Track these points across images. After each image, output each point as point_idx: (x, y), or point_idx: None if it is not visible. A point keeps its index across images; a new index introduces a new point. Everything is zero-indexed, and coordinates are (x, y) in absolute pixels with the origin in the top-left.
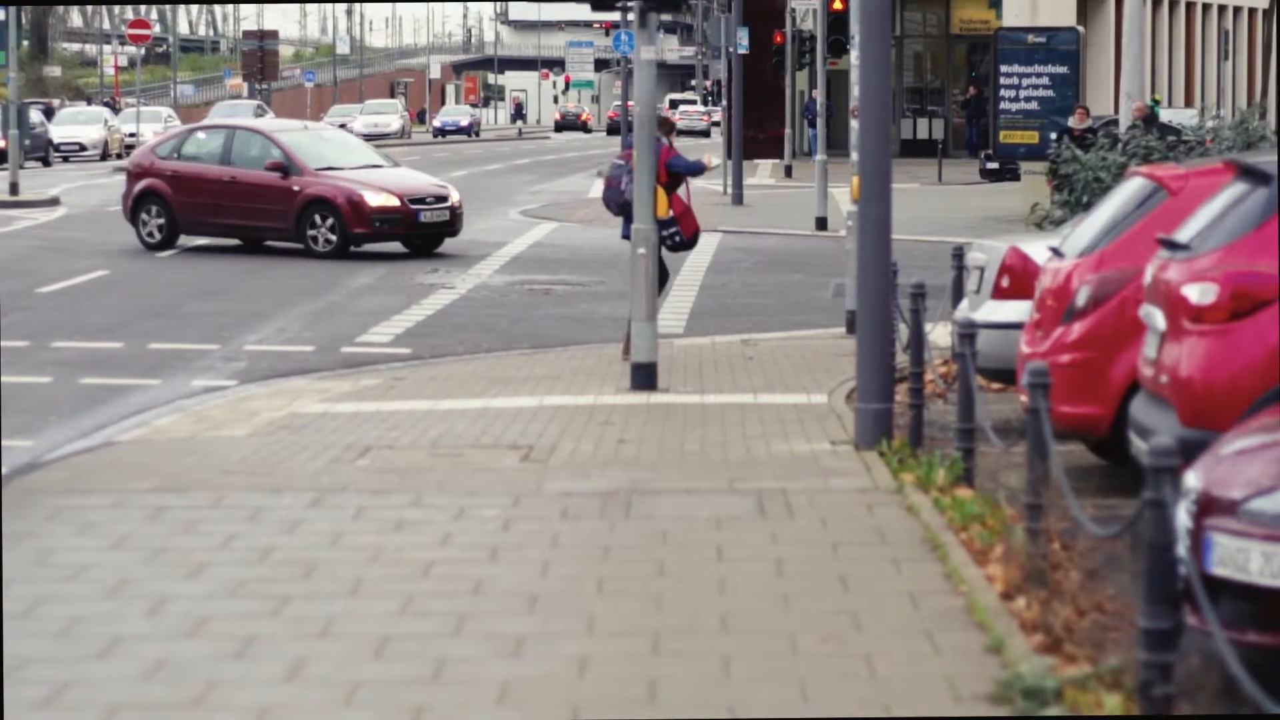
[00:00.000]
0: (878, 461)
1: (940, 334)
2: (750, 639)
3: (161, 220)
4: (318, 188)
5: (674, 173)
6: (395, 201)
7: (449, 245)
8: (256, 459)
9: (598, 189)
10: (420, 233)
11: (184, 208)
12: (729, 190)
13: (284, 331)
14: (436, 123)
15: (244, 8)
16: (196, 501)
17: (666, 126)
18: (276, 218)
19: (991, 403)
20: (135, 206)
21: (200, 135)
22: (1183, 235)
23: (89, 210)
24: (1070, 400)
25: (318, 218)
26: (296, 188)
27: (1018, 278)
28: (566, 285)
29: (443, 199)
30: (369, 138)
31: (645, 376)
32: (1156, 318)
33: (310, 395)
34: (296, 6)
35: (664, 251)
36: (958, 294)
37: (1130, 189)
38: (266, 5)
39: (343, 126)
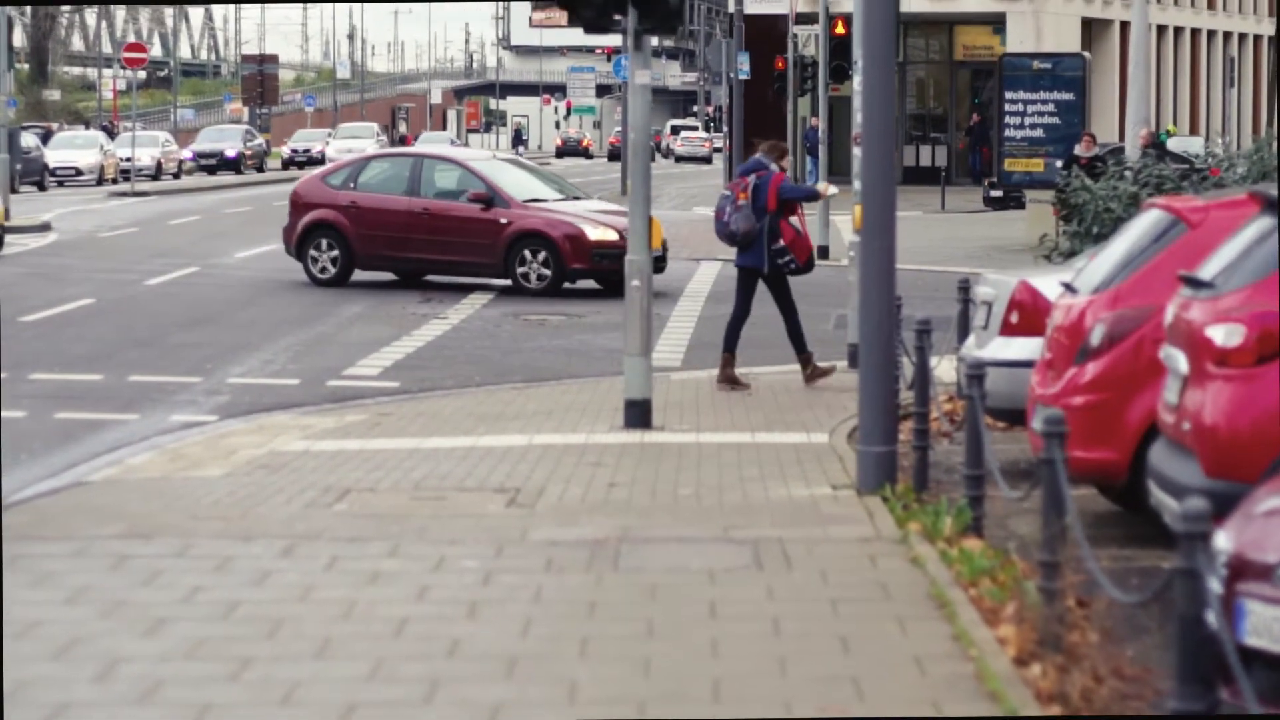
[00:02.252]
0: (881, 508)
1: (944, 368)
2: (744, 708)
3: (335, 253)
4: (529, 221)
5: (785, 200)
6: (614, 235)
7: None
8: (229, 502)
9: None
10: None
11: (364, 240)
12: None
13: (270, 363)
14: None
15: (246, 31)
16: (162, 550)
17: (778, 151)
18: (480, 252)
19: (998, 442)
20: (303, 239)
21: (380, 164)
22: (1205, 272)
23: (81, 236)
24: (1084, 444)
25: (528, 253)
26: (504, 220)
27: (1027, 313)
28: (561, 316)
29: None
30: None
31: (639, 414)
32: (1178, 360)
33: (292, 432)
34: (299, 30)
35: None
36: (963, 328)
37: (1146, 222)
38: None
39: (306, 151)
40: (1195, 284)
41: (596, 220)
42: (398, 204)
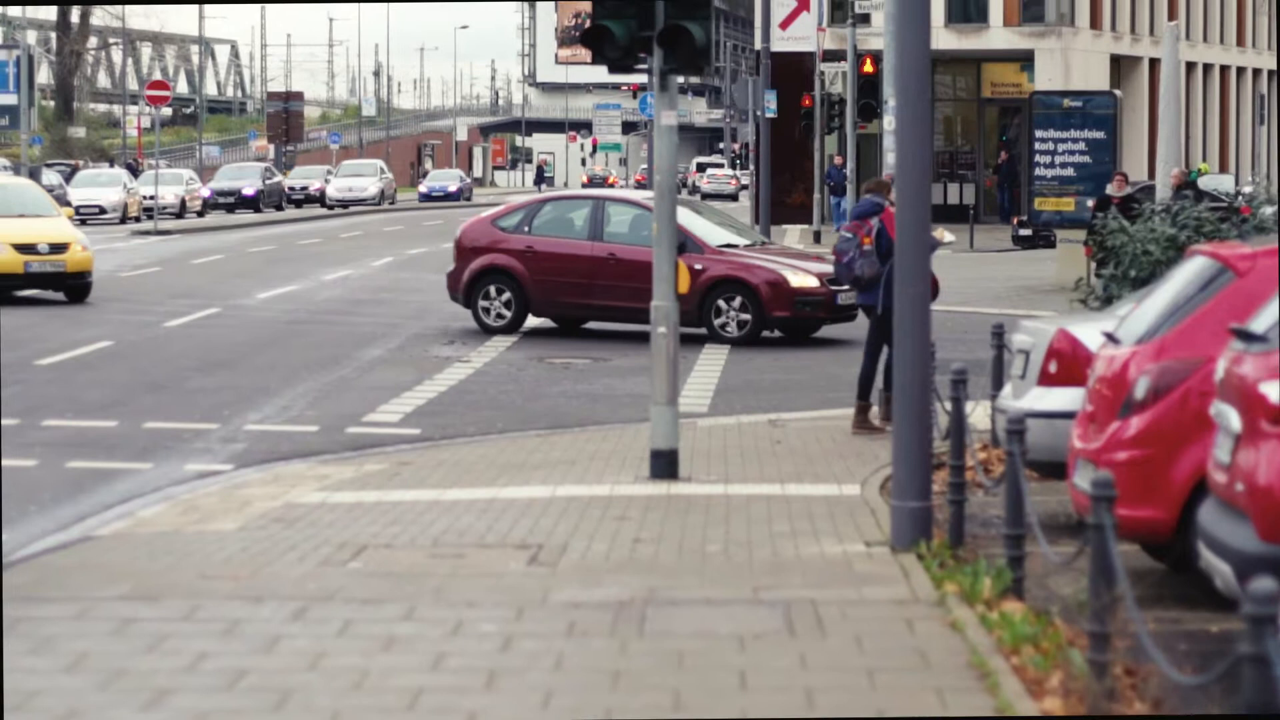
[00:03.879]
0: (916, 566)
1: (978, 415)
2: None
3: (508, 297)
4: (725, 267)
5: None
6: (815, 282)
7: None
8: (241, 559)
9: None
10: (835, 317)
11: (542, 287)
12: None
13: (288, 409)
14: (423, 188)
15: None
16: (168, 612)
17: (885, 188)
18: None
19: (1035, 493)
20: (473, 285)
21: (557, 206)
22: (1258, 325)
23: (102, 275)
24: (1129, 502)
25: (725, 300)
26: (699, 266)
27: (1067, 363)
28: (586, 359)
29: None
30: (343, 203)
31: (666, 464)
32: (1230, 417)
33: (309, 482)
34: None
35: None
36: (998, 376)
37: (1192, 269)
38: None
39: (304, 189)
40: (1247, 337)
41: (796, 266)
42: (579, 248)
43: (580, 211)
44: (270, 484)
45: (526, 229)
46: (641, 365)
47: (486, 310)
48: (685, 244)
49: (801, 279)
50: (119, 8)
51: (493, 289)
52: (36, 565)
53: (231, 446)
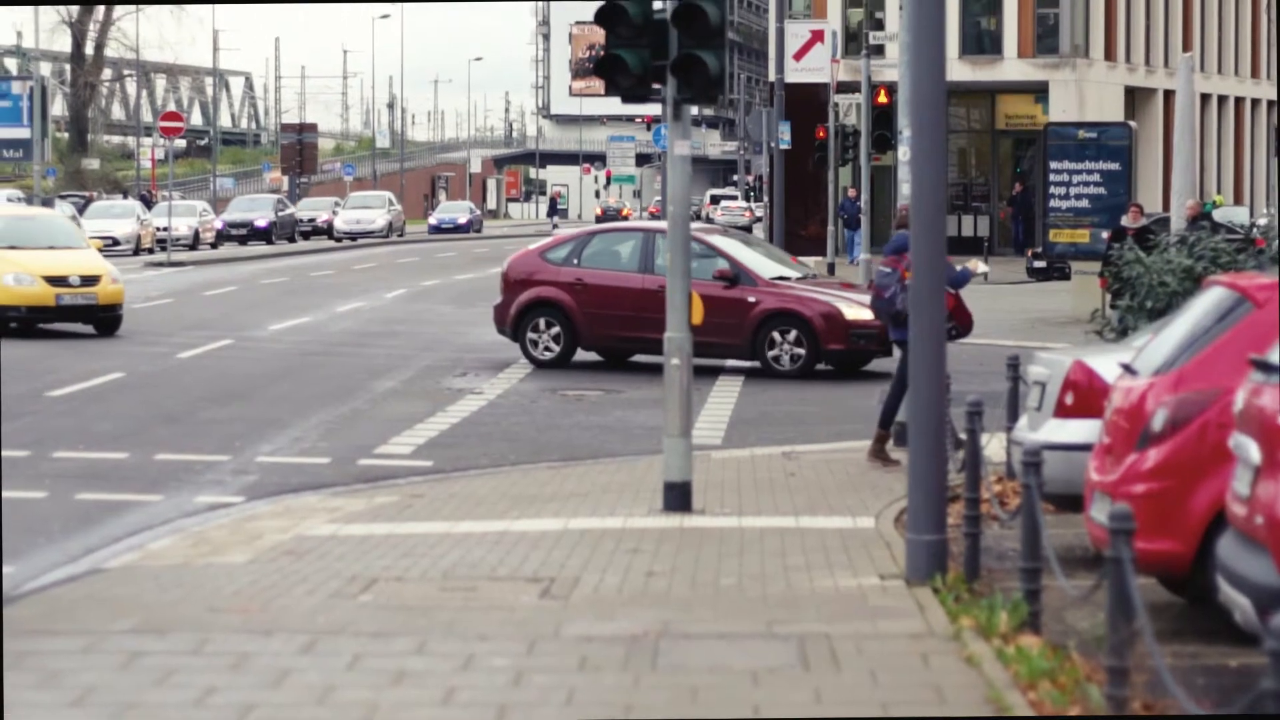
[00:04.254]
0: (932, 600)
1: (993, 447)
2: None
3: (557, 331)
4: (779, 299)
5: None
6: (869, 314)
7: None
8: (251, 592)
9: None
10: (889, 350)
11: (591, 320)
12: None
13: (300, 441)
14: (432, 220)
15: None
16: (177, 645)
17: None
18: (725, 333)
19: (1050, 525)
20: (521, 318)
21: (607, 239)
22: (1277, 356)
23: None
24: (1146, 535)
25: (779, 333)
26: (752, 299)
27: (1083, 395)
28: (599, 391)
29: None
30: (350, 235)
31: (679, 497)
32: (1250, 450)
33: (320, 514)
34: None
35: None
36: (1013, 406)
37: (1209, 300)
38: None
39: (312, 220)
40: (1266, 368)
41: (849, 299)
42: (629, 281)
43: (630, 244)
44: (281, 516)
45: (576, 261)
46: (654, 397)
47: (534, 343)
48: (739, 276)
49: (856, 311)
50: (133, 38)
51: (541, 322)
52: (45, 598)
53: (243, 478)
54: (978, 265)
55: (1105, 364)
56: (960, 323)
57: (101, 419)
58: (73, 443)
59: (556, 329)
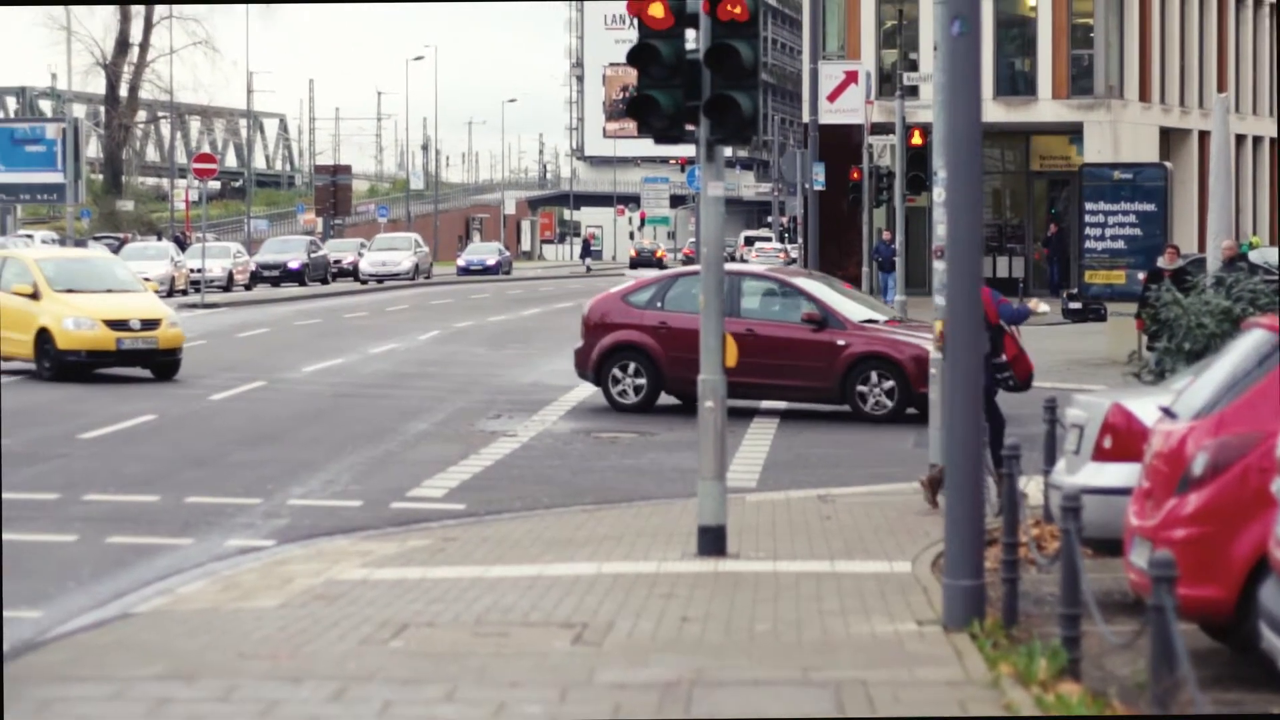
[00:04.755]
0: (969, 646)
1: (1031, 490)
2: None
3: (642, 380)
4: (868, 343)
5: (1004, 321)
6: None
7: None
8: (280, 638)
9: None
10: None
11: (675, 363)
12: None
13: (332, 484)
14: (461, 261)
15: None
16: (204, 693)
17: None
18: (813, 376)
19: (1089, 570)
20: (603, 362)
21: (690, 281)
22: None
23: None
24: (1187, 581)
25: (868, 377)
26: (841, 342)
27: (1122, 438)
28: (634, 433)
29: None
30: (376, 278)
31: (713, 541)
32: None
33: (351, 558)
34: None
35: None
36: (1050, 450)
37: (1250, 343)
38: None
39: (337, 262)
40: None
41: (914, 340)
42: None
43: None
44: (312, 560)
45: (659, 305)
46: (688, 439)
47: (617, 385)
48: (827, 319)
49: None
50: (167, 80)
51: (625, 366)
52: (73, 643)
53: (274, 522)
54: (1038, 305)
55: (1144, 407)
56: (1019, 373)
57: (133, 461)
58: (104, 485)
59: (641, 373)
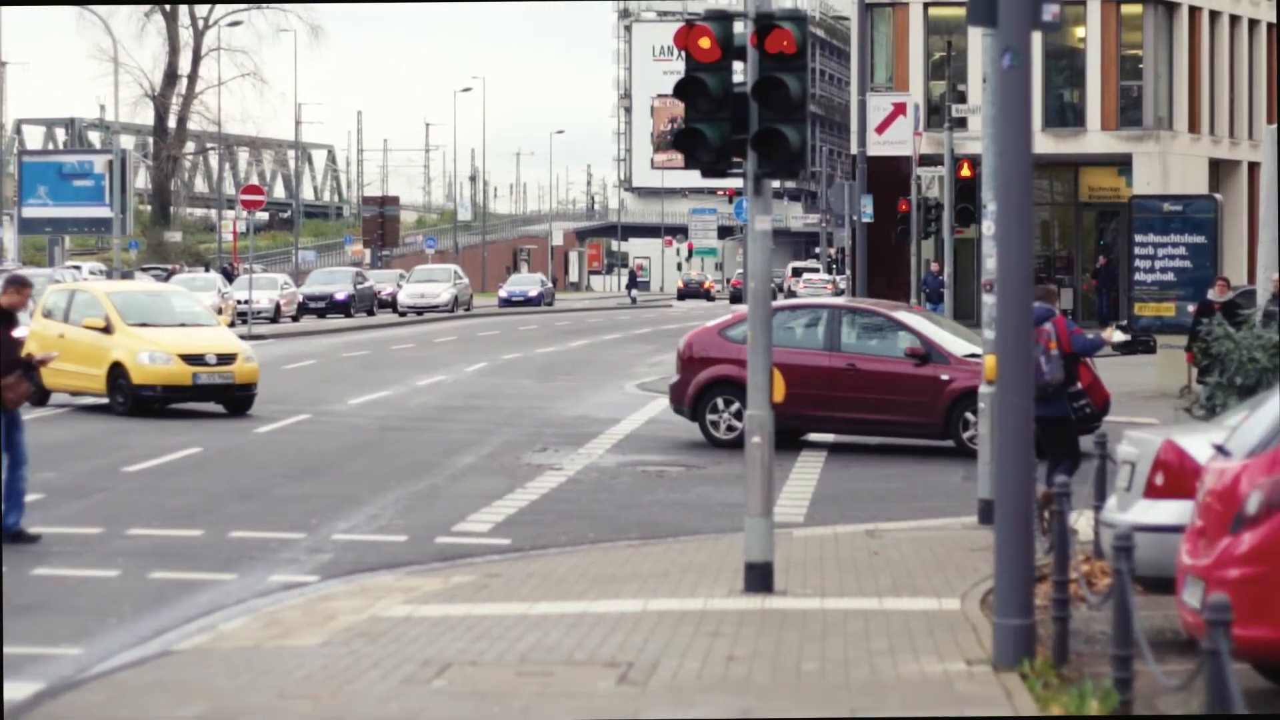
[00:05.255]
0: (1020, 686)
1: (1081, 526)
2: None
3: (739, 409)
4: (974, 378)
5: (1078, 352)
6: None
7: None
8: (322, 677)
9: None
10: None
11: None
12: None
13: (377, 518)
14: (503, 292)
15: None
16: None
17: (1051, 295)
18: (916, 411)
19: (1140, 607)
20: (700, 397)
21: (788, 315)
22: None
23: None
24: (1241, 622)
25: (974, 412)
26: (945, 377)
27: (1174, 475)
28: (681, 467)
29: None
30: (415, 310)
31: (760, 578)
32: None
33: (395, 595)
34: (421, 172)
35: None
36: (1100, 486)
37: None
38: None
39: (378, 295)
40: None
41: None
42: (815, 359)
43: (814, 321)
44: (356, 596)
45: None
46: (735, 473)
47: (715, 423)
48: (930, 354)
49: None
50: (215, 111)
51: (722, 401)
52: (112, 682)
53: (318, 556)
54: (1112, 333)
55: (1196, 444)
56: (1095, 401)
57: (177, 495)
58: (148, 520)
59: (738, 407)
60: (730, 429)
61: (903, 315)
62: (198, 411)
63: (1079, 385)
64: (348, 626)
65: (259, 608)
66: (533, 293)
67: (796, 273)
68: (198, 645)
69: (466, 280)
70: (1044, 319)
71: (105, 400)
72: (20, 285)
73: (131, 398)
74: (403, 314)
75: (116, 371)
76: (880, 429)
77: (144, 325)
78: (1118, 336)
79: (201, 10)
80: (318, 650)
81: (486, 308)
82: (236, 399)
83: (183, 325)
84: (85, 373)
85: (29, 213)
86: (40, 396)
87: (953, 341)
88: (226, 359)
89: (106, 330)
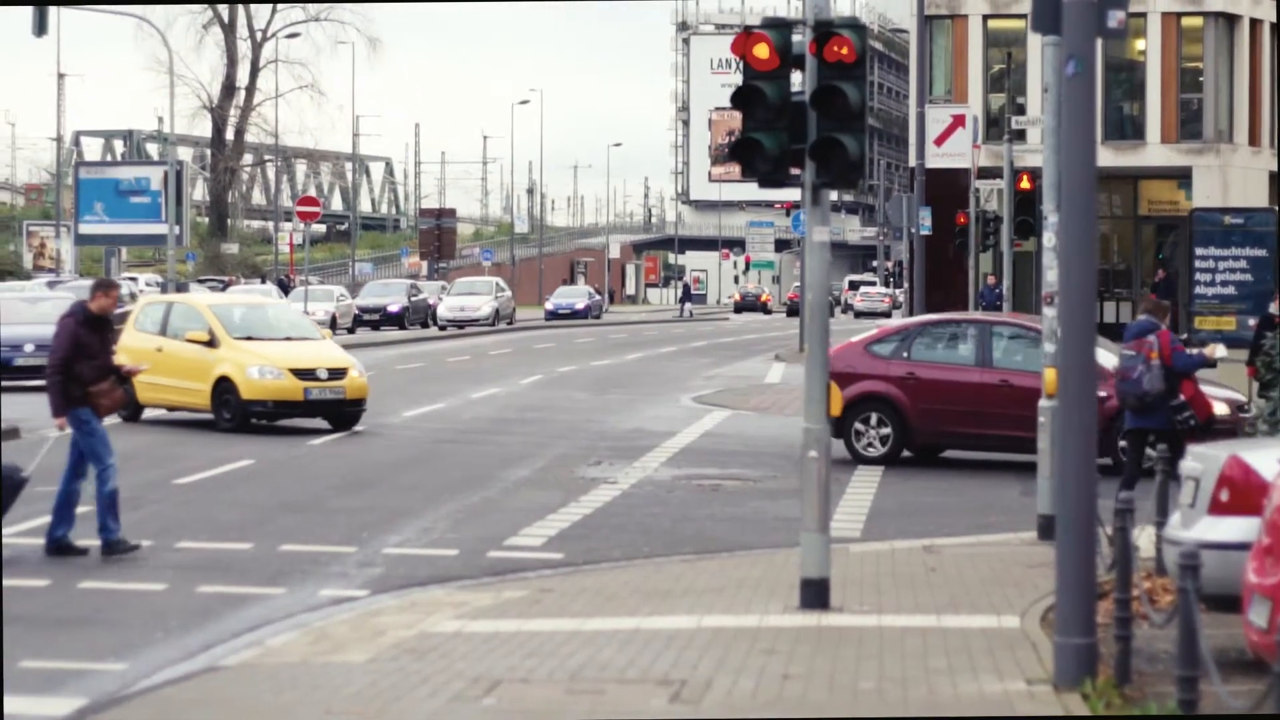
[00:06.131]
0: (1081, 707)
1: (1143, 541)
2: None
3: (888, 430)
4: None
5: (1180, 368)
6: (1227, 409)
7: None
8: (369, 694)
9: (776, 373)
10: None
11: (925, 415)
12: None
13: (429, 532)
14: (549, 305)
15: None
16: None
17: (1161, 310)
18: None
19: (1204, 625)
20: (846, 414)
21: (938, 331)
22: None
23: None
24: None
25: None
26: (1104, 394)
27: (1239, 491)
28: (737, 481)
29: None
30: (456, 324)
31: (816, 594)
32: None
33: (445, 610)
34: (479, 185)
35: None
36: (1162, 502)
37: None
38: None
39: (429, 308)
40: None
41: (1213, 395)
42: (967, 375)
43: (965, 336)
44: (406, 611)
45: (905, 354)
46: (790, 487)
47: (861, 438)
48: None
49: (1219, 407)
50: (272, 123)
51: (870, 417)
52: (157, 698)
53: (368, 571)
54: (1214, 351)
55: (1263, 459)
56: (1198, 413)
57: (228, 508)
58: (197, 533)
59: (886, 426)
60: (876, 446)
61: None
62: (254, 426)
63: (1181, 397)
64: (397, 642)
65: (307, 623)
66: (580, 305)
67: (854, 286)
68: (244, 661)
69: (509, 293)
70: (1148, 331)
71: (208, 416)
72: (109, 287)
73: (240, 413)
74: (443, 328)
75: (223, 386)
76: (1032, 447)
77: (249, 339)
78: (1220, 353)
79: (259, 22)
80: (366, 667)
81: (533, 320)
82: (346, 414)
83: (289, 339)
84: (186, 387)
85: (86, 229)
86: (133, 411)
87: (1105, 357)
88: (337, 374)
89: (210, 344)
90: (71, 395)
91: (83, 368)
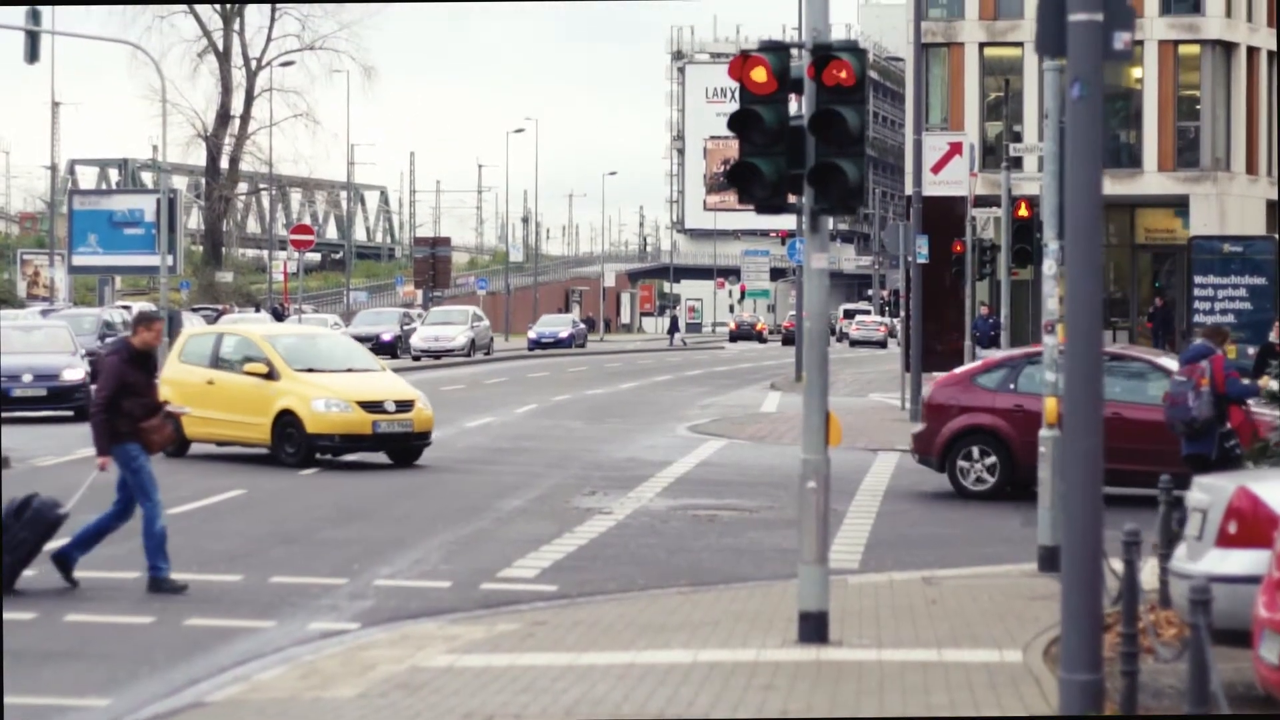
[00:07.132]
0: None
1: (1147, 574)
2: None
3: (993, 460)
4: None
5: (1231, 397)
6: None
7: None
8: None
9: (771, 402)
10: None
11: (1031, 448)
12: (907, 405)
13: (421, 563)
14: (532, 334)
15: (421, 214)
16: None
17: (1220, 336)
18: (1171, 461)
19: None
20: (950, 446)
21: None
22: None
23: None
24: None
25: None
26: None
27: (1247, 523)
28: (733, 511)
29: None
30: (430, 354)
31: (815, 627)
32: None
33: (437, 643)
34: (473, 213)
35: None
36: (1166, 533)
37: None
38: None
39: (371, 340)
40: None
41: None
42: None
43: None
44: (397, 645)
45: (1012, 386)
46: (788, 518)
47: (966, 473)
48: None
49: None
50: (267, 152)
51: (975, 450)
52: None
53: (359, 603)
54: (1269, 383)
55: (1271, 491)
56: (1244, 442)
57: (218, 538)
58: (186, 564)
59: (992, 458)
60: (982, 480)
61: (1166, 361)
62: (244, 455)
63: (1229, 425)
64: (387, 677)
65: (297, 656)
66: (563, 334)
67: (849, 314)
68: (231, 696)
69: (486, 322)
70: (1202, 356)
71: (265, 451)
72: (151, 321)
73: (304, 448)
74: (416, 358)
75: (285, 420)
76: (1146, 480)
77: (310, 370)
78: (1275, 385)
79: (254, 50)
80: (354, 703)
81: (514, 350)
82: (412, 448)
83: (350, 370)
84: (242, 421)
85: (79, 260)
86: (179, 446)
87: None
88: (405, 405)
89: (270, 376)
90: (119, 431)
91: (131, 405)
